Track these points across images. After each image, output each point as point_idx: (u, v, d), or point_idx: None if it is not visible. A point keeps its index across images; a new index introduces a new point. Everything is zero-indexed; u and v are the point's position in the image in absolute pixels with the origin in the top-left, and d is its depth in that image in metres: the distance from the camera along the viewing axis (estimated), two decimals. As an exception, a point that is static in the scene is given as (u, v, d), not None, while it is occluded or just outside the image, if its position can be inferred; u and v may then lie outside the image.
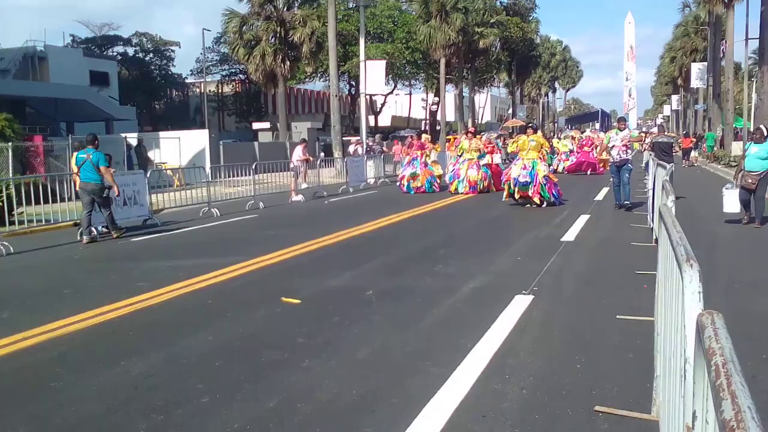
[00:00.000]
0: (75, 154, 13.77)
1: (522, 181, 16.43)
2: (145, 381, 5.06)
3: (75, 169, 13.14)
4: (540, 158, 16.80)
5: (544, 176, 16.50)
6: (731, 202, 12.45)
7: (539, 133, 18.95)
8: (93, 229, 13.14)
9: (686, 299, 1.93)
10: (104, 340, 6.27)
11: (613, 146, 15.64)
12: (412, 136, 26.69)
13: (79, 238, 12.94)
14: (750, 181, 12.41)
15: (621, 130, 15.97)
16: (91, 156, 13.00)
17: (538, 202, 16.33)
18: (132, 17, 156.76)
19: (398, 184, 23.53)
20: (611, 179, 16.33)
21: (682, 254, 2.22)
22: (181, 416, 4.37)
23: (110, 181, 13.08)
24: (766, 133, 12.57)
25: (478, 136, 22.92)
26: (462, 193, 20.90)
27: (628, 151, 15.61)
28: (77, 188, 13.28)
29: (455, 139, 27.23)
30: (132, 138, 28.66)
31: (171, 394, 4.74)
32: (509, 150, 18.45)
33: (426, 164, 22.79)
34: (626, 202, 15.17)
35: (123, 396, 4.77)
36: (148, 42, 67.56)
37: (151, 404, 4.58)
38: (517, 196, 16.76)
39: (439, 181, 22.99)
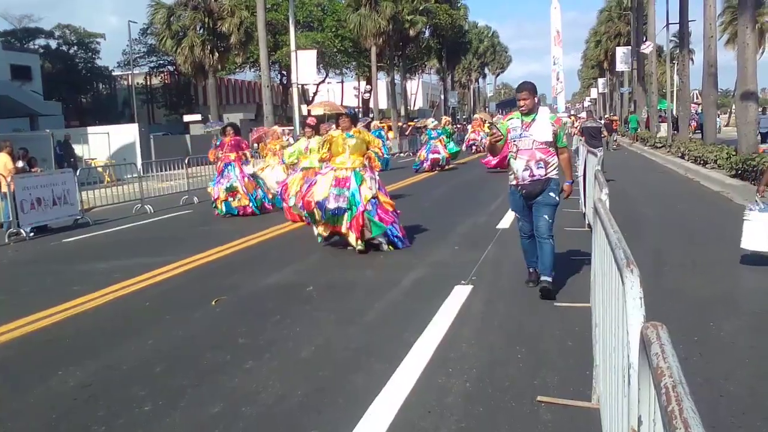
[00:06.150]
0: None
1: (332, 208, 9.53)
2: (84, 391, 4.94)
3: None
4: (364, 167, 9.86)
5: (371, 199, 9.63)
6: (757, 233, 7.37)
7: (372, 124, 13.33)
8: None
9: (628, 305, 1.99)
10: (39, 348, 6.10)
11: (516, 149, 6.98)
12: (225, 130, 15.89)
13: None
14: None
15: (525, 114, 6.91)
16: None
17: (359, 245, 9.62)
18: (52, 8, 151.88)
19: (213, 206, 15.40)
20: (516, 218, 7.73)
21: (621, 258, 2.27)
22: (124, 426, 4.29)
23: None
24: None
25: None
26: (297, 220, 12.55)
27: (549, 160, 6.96)
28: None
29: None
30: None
31: (112, 404, 4.65)
32: (318, 158, 10.40)
33: (248, 175, 15.35)
34: (545, 279, 6.85)
35: (62, 408, 4.65)
36: (72, 34, 65.39)
37: (91, 415, 4.48)
38: (324, 231, 10.05)
39: (271, 196, 15.27)
